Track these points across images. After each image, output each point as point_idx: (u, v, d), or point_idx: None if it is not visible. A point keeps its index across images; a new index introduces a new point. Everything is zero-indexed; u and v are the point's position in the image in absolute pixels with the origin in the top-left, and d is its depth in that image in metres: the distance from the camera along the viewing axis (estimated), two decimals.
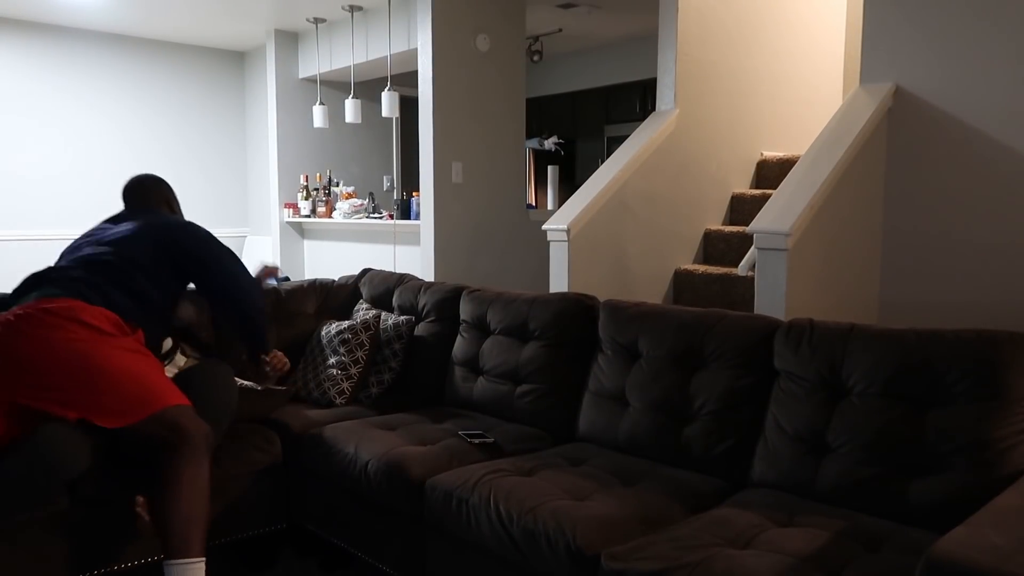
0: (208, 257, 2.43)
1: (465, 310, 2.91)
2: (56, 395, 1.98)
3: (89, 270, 2.24)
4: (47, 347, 2.00)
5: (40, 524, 2.07)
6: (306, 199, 6.10)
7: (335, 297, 3.36)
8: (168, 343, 2.71)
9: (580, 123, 7.44)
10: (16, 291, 2.27)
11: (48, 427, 1.96)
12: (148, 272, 2.31)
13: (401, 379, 2.96)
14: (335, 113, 6.00)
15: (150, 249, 2.34)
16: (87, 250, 2.32)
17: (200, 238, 2.44)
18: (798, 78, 4.64)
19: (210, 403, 2.21)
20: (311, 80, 6.23)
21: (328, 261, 6.18)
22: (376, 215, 5.59)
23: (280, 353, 2.61)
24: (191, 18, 5.82)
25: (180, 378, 2.29)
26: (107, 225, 2.46)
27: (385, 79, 5.31)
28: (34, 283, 2.23)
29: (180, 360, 2.66)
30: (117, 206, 2.60)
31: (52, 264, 2.37)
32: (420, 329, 3.01)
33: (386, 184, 6.28)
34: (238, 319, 2.51)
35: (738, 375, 2.14)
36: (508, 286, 3.46)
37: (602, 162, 4.20)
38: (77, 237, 2.46)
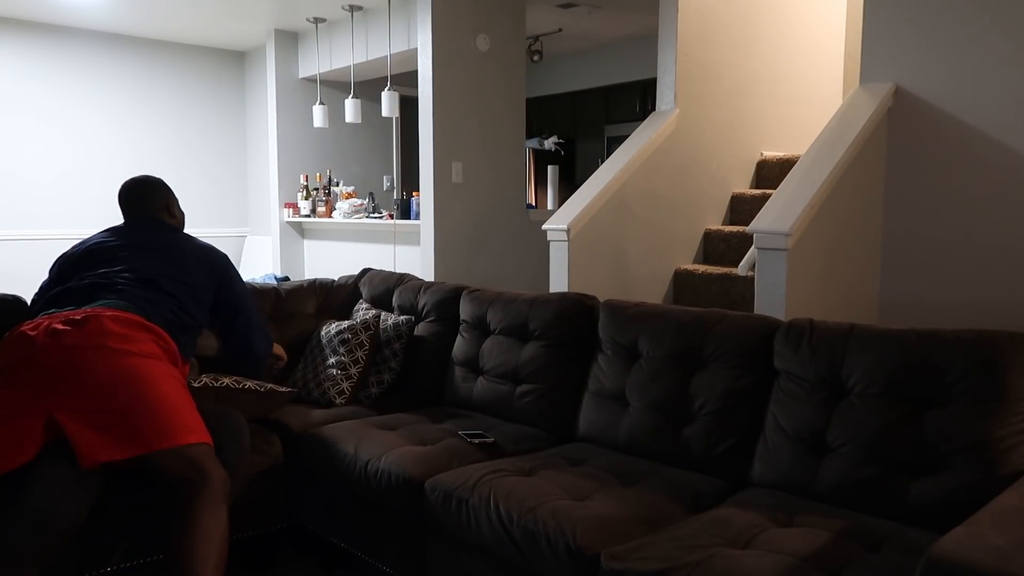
0: (243, 301, 2.54)
1: (465, 310, 2.91)
2: (97, 403, 1.95)
3: (148, 288, 2.25)
4: (105, 355, 2.00)
5: None
6: (306, 199, 6.10)
7: (335, 297, 3.36)
8: None
9: (580, 123, 7.44)
10: (52, 293, 2.26)
11: (44, 474, 1.92)
12: (198, 301, 2.37)
13: (401, 379, 2.96)
14: (335, 113, 6.01)
15: (202, 278, 2.40)
16: (128, 264, 2.30)
17: (239, 280, 2.57)
18: (798, 78, 4.64)
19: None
20: (311, 80, 6.24)
21: (328, 261, 6.18)
22: (376, 215, 5.59)
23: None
24: (191, 18, 5.82)
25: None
26: (113, 239, 2.41)
27: (385, 79, 5.31)
28: (89, 289, 2.22)
29: None
30: (116, 206, 2.59)
31: (63, 274, 2.35)
32: (420, 329, 3.01)
33: (386, 184, 6.29)
34: (242, 365, 2.60)
35: (738, 375, 2.14)
36: (508, 286, 3.46)
37: (602, 162, 4.20)
38: (87, 245, 2.40)
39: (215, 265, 2.49)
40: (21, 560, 1.87)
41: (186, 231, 2.61)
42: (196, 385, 2.42)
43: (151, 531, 2.20)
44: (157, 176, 2.65)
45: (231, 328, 2.55)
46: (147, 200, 2.55)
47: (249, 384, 2.53)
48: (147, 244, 2.40)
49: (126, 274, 2.27)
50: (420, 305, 3.07)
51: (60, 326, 2.03)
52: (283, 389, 2.64)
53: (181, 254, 2.40)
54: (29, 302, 2.41)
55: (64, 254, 2.44)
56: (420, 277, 3.36)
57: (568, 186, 6.68)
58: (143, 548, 2.22)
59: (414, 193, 5.06)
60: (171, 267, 2.34)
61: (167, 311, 2.24)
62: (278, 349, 2.85)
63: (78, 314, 2.07)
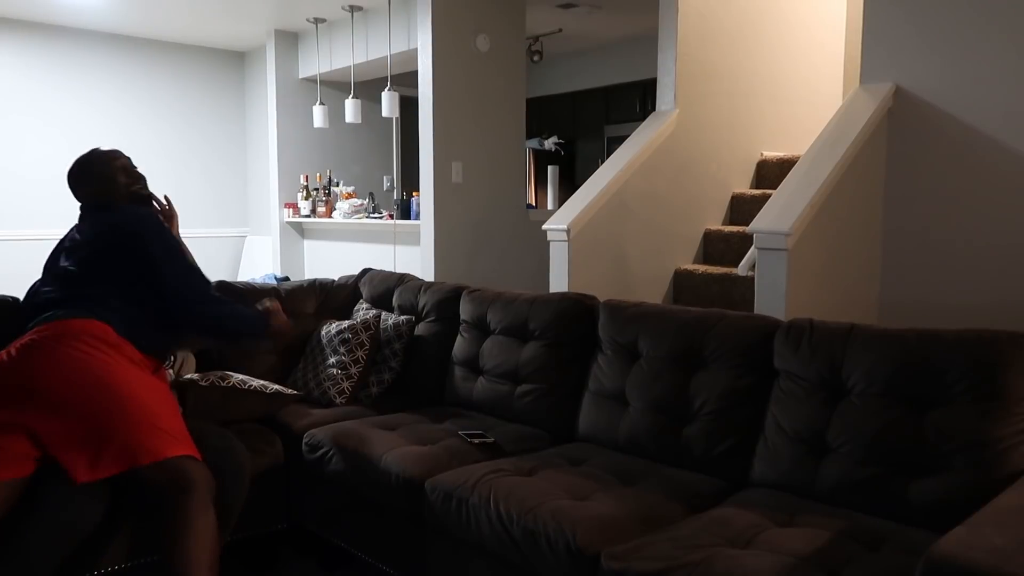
0: (155, 257, 2.27)
1: (465, 310, 2.91)
2: (71, 407, 1.92)
3: (87, 288, 2.18)
4: (70, 370, 1.97)
5: None
6: (306, 199, 6.10)
7: (335, 297, 3.36)
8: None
9: (580, 123, 7.44)
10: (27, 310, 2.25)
11: (62, 482, 1.92)
12: (135, 282, 2.24)
13: (401, 379, 2.96)
14: (335, 113, 6.00)
15: (121, 256, 2.25)
16: (66, 266, 2.25)
17: (152, 236, 2.28)
18: (798, 78, 4.64)
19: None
20: (311, 80, 6.24)
21: (328, 261, 6.18)
22: (376, 215, 5.59)
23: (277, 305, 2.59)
24: (191, 18, 5.82)
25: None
26: (75, 234, 2.37)
27: (385, 79, 5.31)
28: (43, 305, 2.19)
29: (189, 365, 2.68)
30: None
31: (42, 278, 2.32)
32: (420, 329, 3.01)
33: (386, 184, 6.28)
34: (202, 331, 2.42)
35: (738, 375, 2.14)
36: (508, 286, 3.46)
37: (602, 162, 4.20)
38: (54, 249, 2.38)
39: (120, 236, 2.28)
40: (39, 569, 1.88)
41: (159, 221, 2.42)
42: (203, 384, 2.43)
43: (147, 532, 2.19)
44: (89, 152, 2.44)
45: (160, 291, 2.28)
46: (82, 188, 2.41)
47: (255, 384, 2.54)
48: (81, 241, 2.31)
49: (67, 282, 2.22)
50: (420, 305, 3.07)
51: (12, 354, 2.01)
52: (288, 391, 2.65)
53: (101, 240, 2.27)
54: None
55: (48, 257, 2.40)
56: (420, 277, 3.36)
57: (568, 186, 6.67)
58: (140, 549, 2.21)
59: (414, 193, 5.06)
60: (99, 257, 2.24)
61: (117, 304, 2.15)
62: (275, 305, 2.60)
63: (32, 336, 2.04)
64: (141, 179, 2.49)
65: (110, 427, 1.94)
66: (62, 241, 2.38)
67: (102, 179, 2.40)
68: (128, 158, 2.49)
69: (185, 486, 1.94)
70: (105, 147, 2.49)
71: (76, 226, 2.41)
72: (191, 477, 1.96)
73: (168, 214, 2.58)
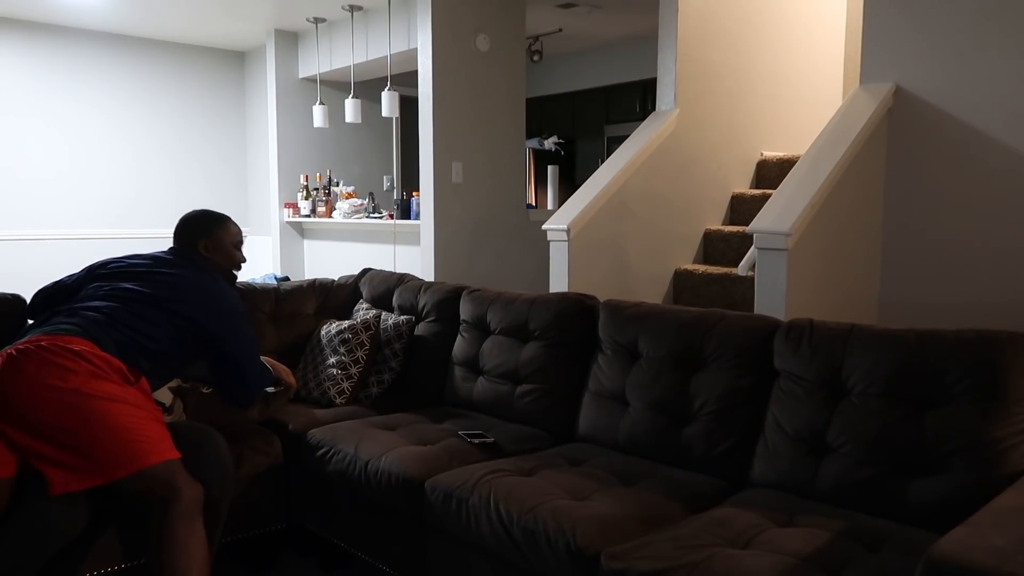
0: (239, 359, 2.37)
1: (465, 310, 2.91)
2: (42, 441, 1.91)
3: (112, 311, 2.16)
4: (40, 389, 1.93)
5: None
6: (306, 199, 6.10)
7: (335, 297, 3.36)
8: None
9: (580, 123, 7.44)
10: (38, 301, 2.28)
11: (35, 493, 1.90)
12: (171, 331, 2.22)
13: (401, 379, 2.96)
14: (335, 113, 6.00)
15: (189, 313, 2.25)
16: (125, 285, 2.25)
17: (241, 331, 2.37)
18: (798, 78, 4.64)
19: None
20: (311, 80, 6.23)
21: (328, 261, 6.18)
22: (376, 215, 5.59)
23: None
24: (191, 18, 5.81)
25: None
26: (149, 261, 2.37)
27: (385, 79, 5.31)
28: (58, 301, 2.20)
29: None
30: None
31: (88, 273, 2.35)
32: (420, 329, 3.01)
33: (386, 184, 6.28)
34: (234, 397, 2.47)
35: (738, 375, 2.14)
36: (508, 286, 3.46)
37: (602, 162, 4.20)
38: (125, 257, 2.39)
39: (215, 312, 2.32)
40: (25, 570, 1.87)
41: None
42: (205, 390, 2.43)
43: (140, 535, 2.18)
44: (210, 212, 2.59)
45: (223, 378, 2.42)
46: (182, 235, 2.51)
47: None
48: (147, 271, 2.32)
49: (106, 290, 2.23)
50: (420, 305, 3.07)
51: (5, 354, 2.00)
52: (274, 389, 2.60)
53: (173, 288, 2.28)
54: (30, 298, 2.43)
55: (94, 264, 2.41)
56: (420, 277, 3.36)
57: (568, 186, 6.67)
58: (134, 552, 2.20)
59: (414, 193, 5.06)
60: (155, 292, 2.24)
61: (118, 335, 2.12)
62: (286, 375, 2.67)
63: (17, 347, 2.01)
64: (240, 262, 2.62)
65: (82, 445, 1.92)
66: (122, 260, 2.38)
67: (196, 245, 2.49)
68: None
69: (168, 496, 1.93)
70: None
71: (154, 256, 2.41)
72: (174, 486, 1.94)
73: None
